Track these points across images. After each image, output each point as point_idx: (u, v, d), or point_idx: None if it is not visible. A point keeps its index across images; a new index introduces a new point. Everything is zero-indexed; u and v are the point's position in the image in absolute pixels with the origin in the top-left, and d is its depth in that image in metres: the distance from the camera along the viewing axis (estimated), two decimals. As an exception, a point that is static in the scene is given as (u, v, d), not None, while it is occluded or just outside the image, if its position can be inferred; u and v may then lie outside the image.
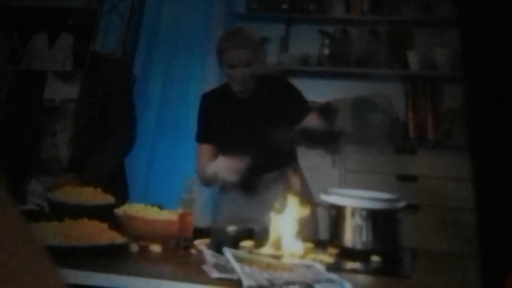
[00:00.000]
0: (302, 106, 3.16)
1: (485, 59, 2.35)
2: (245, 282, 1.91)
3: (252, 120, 3.14)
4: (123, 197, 2.98)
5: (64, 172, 3.15)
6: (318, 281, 1.98)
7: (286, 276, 2.03)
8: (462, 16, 2.68)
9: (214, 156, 3.13)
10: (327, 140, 3.04)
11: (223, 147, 3.16)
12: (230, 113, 3.20)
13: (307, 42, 5.02)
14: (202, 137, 3.24)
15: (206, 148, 3.19)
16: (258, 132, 3.04)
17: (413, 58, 4.91)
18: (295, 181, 2.95)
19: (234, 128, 3.17)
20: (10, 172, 3.24)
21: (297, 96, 3.22)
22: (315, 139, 2.96)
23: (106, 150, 3.19)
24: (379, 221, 2.57)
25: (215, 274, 2.00)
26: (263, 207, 2.84)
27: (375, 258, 2.43)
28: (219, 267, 2.04)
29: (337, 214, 2.61)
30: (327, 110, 3.77)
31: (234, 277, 1.98)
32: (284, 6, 5.21)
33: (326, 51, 5.06)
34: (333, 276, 2.05)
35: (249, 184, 3.11)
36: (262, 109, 3.12)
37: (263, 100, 3.13)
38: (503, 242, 2.25)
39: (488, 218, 2.33)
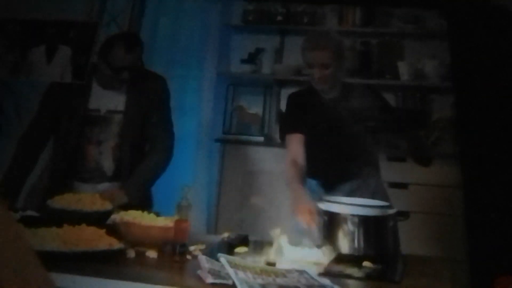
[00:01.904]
0: (390, 113, 3.22)
1: (473, 70, 2.35)
2: (239, 287, 1.89)
3: (336, 121, 3.14)
4: (148, 205, 3.04)
5: (108, 181, 3.16)
6: (311, 286, 1.96)
7: (279, 281, 2.01)
8: (451, 29, 2.68)
9: (302, 145, 3.17)
10: (413, 120, 3.03)
11: (309, 140, 3.20)
12: (315, 110, 3.21)
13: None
14: (291, 127, 3.26)
15: (295, 137, 3.20)
16: (341, 132, 3.08)
17: (403, 69, 4.92)
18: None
19: (318, 126, 3.19)
20: (51, 181, 3.27)
21: (387, 105, 3.27)
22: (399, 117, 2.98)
23: (148, 165, 3.20)
24: (371, 227, 2.56)
25: (210, 280, 1.98)
26: None
27: (366, 264, 2.41)
28: (214, 273, 2.02)
29: (330, 220, 2.60)
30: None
31: (229, 282, 1.96)
32: (279, 18, 5.23)
33: (319, 62, 5.06)
34: (325, 281, 2.04)
35: (332, 189, 3.11)
36: (347, 112, 3.12)
37: (348, 102, 3.14)
38: (492, 246, 2.24)
39: (477, 223, 2.32)
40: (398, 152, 3.60)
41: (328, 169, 3.16)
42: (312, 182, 3.18)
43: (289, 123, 3.34)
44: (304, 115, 3.23)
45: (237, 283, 1.91)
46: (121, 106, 3.22)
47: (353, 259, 2.47)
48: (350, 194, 3.04)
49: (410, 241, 3.66)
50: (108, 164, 3.23)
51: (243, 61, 5.25)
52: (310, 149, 3.24)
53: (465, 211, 2.39)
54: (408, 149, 3.06)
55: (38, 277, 0.79)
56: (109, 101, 3.22)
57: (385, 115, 3.06)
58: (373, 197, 2.95)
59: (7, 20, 3.31)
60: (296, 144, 3.20)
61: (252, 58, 5.23)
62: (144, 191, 3.12)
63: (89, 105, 3.22)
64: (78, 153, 3.21)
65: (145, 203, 3.07)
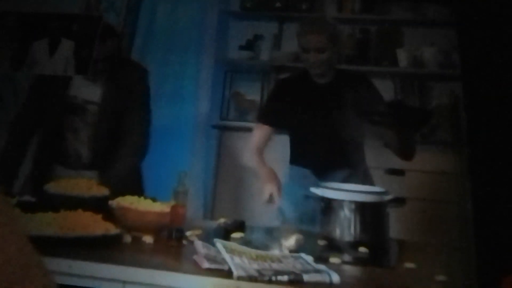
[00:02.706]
0: (380, 105, 3.19)
1: (482, 57, 2.34)
2: (235, 272, 1.90)
3: (328, 107, 3.15)
4: (139, 191, 2.98)
5: (86, 169, 3.17)
6: (306, 272, 1.98)
7: (275, 266, 2.03)
8: (458, 16, 2.65)
9: (267, 138, 3.24)
10: (418, 119, 3.01)
11: (295, 132, 3.23)
12: (307, 97, 3.22)
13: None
14: (264, 117, 3.33)
15: (263, 128, 3.26)
16: (332, 119, 3.07)
17: (402, 56, 4.92)
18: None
19: (309, 113, 3.19)
20: (34, 165, 3.29)
21: (377, 95, 3.24)
22: (406, 115, 2.95)
23: (123, 155, 3.20)
24: (367, 213, 2.57)
25: (206, 265, 1.99)
26: None
27: (362, 249, 2.43)
28: (210, 258, 2.04)
29: (326, 206, 2.61)
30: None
31: (225, 267, 1.97)
32: (278, 5, 5.22)
33: (318, 49, 5.07)
34: (321, 266, 2.05)
35: (325, 176, 3.09)
36: (339, 98, 3.11)
37: (341, 89, 3.13)
38: (501, 244, 2.22)
39: (485, 220, 2.30)
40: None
41: (319, 156, 3.17)
42: (305, 171, 3.19)
43: (264, 112, 3.39)
44: (289, 104, 3.22)
45: (232, 268, 1.93)
46: (96, 98, 3.24)
47: (349, 245, 2.49)
48: (343, 182, 3.07)
49: (406, 227, 3.69)
50: (85, 152, 3.25)
51: (241, 48, 5.25)
52: (300, 135, 3.24)
53: (473, 207, 2.36)
54: (396, 142, 3.04)
55: (36, 269, 0.79)
56: (85, 90, 3.23)
57: (390, 111, 3.03)
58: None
59: (9, 13, 3.30)
60: (261, 134, 3.26)
61: (250, 44, 5.23)
62: (119, 184, 3.07)
63: (69, 91, 3.24)
64: (60, 139, 3.23)
65: (135, 190, 3.05)
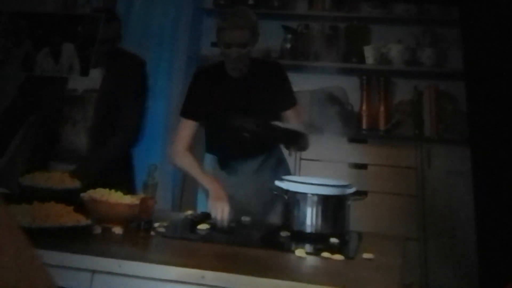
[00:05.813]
0: (290, 96, 3.20)
1: (485, 58, 2.36)
2: None
3: (241, 100, 3.11)
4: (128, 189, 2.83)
5: (83, 161, 3.14)
6: None
7: None
8: (463, 17, 2.67)
9: (193, 132, 3.14)
10: (290, 139, 3.00)
11: (208, 123, 3.19)
12: (221, 90, 3.15)
13: (271, 36, 5.01)
14: (187, 111, 3.18)
15: (188, 123, 3.14)
16: (246, 112, 3.05)
17: (369, 53, 4.98)
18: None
19: (222, 105, 3.13)
20: (33, 159, 3.28)
21: (288, 86, 3.22)
22: (280, 137, 2.96)
23: (109, 143, 3.19)
24: (329, 206, 2.61)
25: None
26: (253, 188, 3.06)
27: (324, 240, 2.48)
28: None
29: (289, 199, 2.65)
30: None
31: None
32: (250, 2, 5.24)
33: (288, 45, 5.12)
34: None
35: (231, 167, 3.15)
36: (252, 91, 3.10)
37: (255, 81, 3.11)
38: (502, 251, 2.23)
39: (487, 227, 2.30)
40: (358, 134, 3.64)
41: (229, 146, 3.16)
42: (209, 157, 3.22)
43: (187, 105, 3.21)
44: (205, 96, 3.16)
45: None
46: (97, 86, 3.24)
47: (311, 236, 2.54)
48: (254, 172, 3.12)
49: (367, 219, 3.75)
50: (82, 145, 3.23)
51: (213, 44, 5.25)
52: (213, 125, 3.20)
53: (476, 221, 2.34)
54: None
55: (36, 268, 0.79)
56: (86, 80, 3.21)
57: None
58: (275, 173, 3.00)
59: (19, 14, 3.29)
60: (188, 130, 3.14)
61: (223, 41, 5.25)
62: (98, 173, 3.06)
63: (67, 85, 3.25)
64: (56, 133, 3.23)
65: (125, 184, 3.01)
